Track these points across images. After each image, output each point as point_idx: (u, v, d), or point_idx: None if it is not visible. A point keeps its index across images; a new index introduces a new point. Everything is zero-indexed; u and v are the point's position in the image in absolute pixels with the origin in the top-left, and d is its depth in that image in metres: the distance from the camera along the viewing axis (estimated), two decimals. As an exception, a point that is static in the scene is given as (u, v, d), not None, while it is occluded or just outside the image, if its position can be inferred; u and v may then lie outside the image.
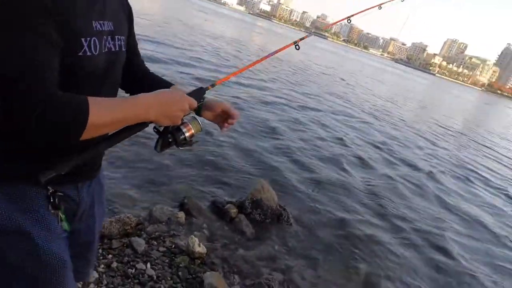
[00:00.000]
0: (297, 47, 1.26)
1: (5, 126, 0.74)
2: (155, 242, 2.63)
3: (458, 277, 3.69)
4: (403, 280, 3.33)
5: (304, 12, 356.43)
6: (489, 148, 12.62)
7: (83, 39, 0.78)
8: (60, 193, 0.87)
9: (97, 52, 0.83)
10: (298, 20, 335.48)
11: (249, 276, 2.69)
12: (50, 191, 0.85)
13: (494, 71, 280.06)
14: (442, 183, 6.56)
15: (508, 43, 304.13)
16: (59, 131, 0.71)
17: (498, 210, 6.21)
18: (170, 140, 0.93)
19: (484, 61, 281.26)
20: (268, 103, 8.36)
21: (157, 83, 1.12)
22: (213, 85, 1.08)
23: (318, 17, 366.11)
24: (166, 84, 1.12)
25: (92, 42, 0.81)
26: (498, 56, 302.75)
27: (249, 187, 3.83)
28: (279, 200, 3.76)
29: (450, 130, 13.86)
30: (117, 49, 0.93)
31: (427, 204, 5.38)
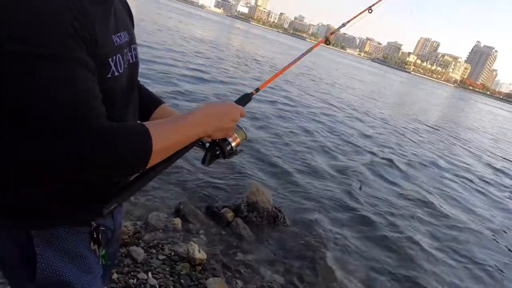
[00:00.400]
0: (327, 42, 1.23)
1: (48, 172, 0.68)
2: (154, 251, 2.57)
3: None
4: (404, 276, 3.39)
5: (281, 14, 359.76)
6: (463, 141, 13.06)
7: (110, 59, 0.71)
8: (102, 228, 0.82)
9: (122, 70, 0.76)
10: (276, 21, 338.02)
11: (251, 281, 2.67)
12: (93, 226, 0.80)
13: (465, 68, 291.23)
14: (421, 179, 6.74)
15: (477, 41, 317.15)
16: (124, 166, 0.65)
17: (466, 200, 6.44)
18: (217, 152, 0.89)
19: (456, 58, 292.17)
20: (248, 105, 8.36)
21: (147, 100, 1.05)
22: (257, 90, 1.05)
23: (295, 18, 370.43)
24: (158, 101, 1.06)
25: (117, 60, 0.74)
26: (468, 54, 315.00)
27: (244, 190, 3.81)
28: (274, 201, 3.76)
29: (425, 125, 14.25)
30: (134, 59, 0.86)
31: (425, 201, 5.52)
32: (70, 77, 0.58)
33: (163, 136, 0.69)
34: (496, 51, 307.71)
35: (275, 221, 3.55)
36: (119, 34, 0.77)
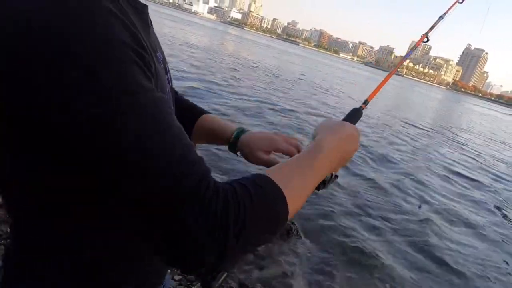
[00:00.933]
0: (425, 40, 1.15)
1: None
2: (169, 270, 2.44)
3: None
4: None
5: (274, 19, 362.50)
6: (459, 142, 13.10)
7: (166, 95, 0.53)
8: None
9: (173, 106, 0.61)
10: (269, 27, 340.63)
11: (270, 299, 2.56)
12: None
13: (457, 71, 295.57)
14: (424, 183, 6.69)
15: (468, 44, 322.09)
16: (259, 236, 0.47)
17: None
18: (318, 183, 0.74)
19: (447, 61, 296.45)
20: (246, 110, 8.27)
21: (189, 112, 0.88)
22: (366, 103, 0.88)
23: (288, 23, 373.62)
24: (196, 114, 0.88)
25: (168, 93, 0.58)
26: (460, 56, 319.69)
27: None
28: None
29: (421, 128, 14.28)
30: (171, 83, 0.68)
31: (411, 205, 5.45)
32: (169, 120, 0.44)
33: (296, 192, 0.51)
34: (486, 53, 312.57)
35: (288, 233, 3.44)
36: (158, 54, 0.58)
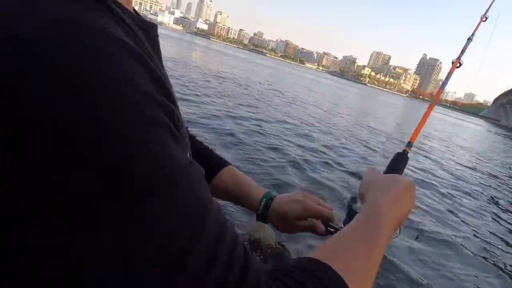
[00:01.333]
0: (458, 65, 1.13)
1: None
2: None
3: None
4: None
5: (241, 30, 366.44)
6: (424, 151, 13.66)
7: (188, 152, 0.46)
8: None
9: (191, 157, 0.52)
10: (235, 37, 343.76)
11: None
12: None
13: (415, 79, 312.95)
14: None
15: (424, 53, 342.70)
16: None
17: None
18: None
19: (406, 70, 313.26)
20: (210, 119, 8.13)
21: (206, 164, 0.74)
22: (410, 145, 0.77)
23: (255, 34, 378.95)
24: (215, 167, 0.79)
25: (187, 142, 0.49)
26: (417, 65, 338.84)
27: (245, 226, 3.56)
28: (277, 237, 3.54)
29: (381, 134, 14.77)
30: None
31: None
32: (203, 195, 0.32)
33: (362, 280, 0.40)
34: (440, 62, 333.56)
35: (280, 258, 3.32)
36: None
